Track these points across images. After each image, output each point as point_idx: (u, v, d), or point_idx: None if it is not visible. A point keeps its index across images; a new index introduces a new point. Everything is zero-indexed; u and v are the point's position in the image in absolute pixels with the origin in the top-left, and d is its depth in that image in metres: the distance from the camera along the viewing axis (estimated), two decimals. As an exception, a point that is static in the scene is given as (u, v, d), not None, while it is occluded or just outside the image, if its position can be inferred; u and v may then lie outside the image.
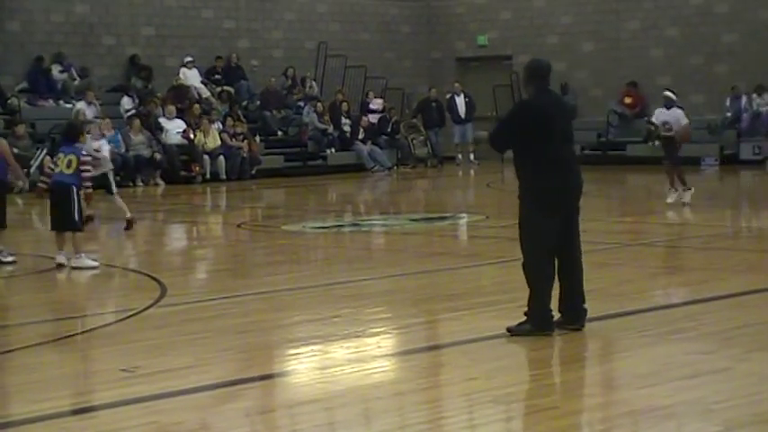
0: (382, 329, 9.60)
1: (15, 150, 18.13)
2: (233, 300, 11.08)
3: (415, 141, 31.23)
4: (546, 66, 9.20)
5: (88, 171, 13.10)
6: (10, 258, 13.37)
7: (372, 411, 7.06)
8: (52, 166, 13.23)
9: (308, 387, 7.76)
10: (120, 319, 9.83)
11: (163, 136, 26.61)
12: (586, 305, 9.05)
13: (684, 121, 18.33)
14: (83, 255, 12.99)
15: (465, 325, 9.53)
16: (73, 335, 9.46)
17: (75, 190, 12.95)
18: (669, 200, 18.40)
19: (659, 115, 18.60)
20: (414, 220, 18.16)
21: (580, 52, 31.92)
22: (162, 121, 26.96)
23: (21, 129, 24.24)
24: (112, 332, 9.40)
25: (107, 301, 11.12)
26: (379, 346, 8.95)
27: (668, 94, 18.86)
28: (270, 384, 7.86)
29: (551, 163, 8.85)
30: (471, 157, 30.95)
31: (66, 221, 12.98)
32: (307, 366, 8.39)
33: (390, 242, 16.09)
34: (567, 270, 8.97)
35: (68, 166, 12.94)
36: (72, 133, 13.43)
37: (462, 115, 31.18)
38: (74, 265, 12.89)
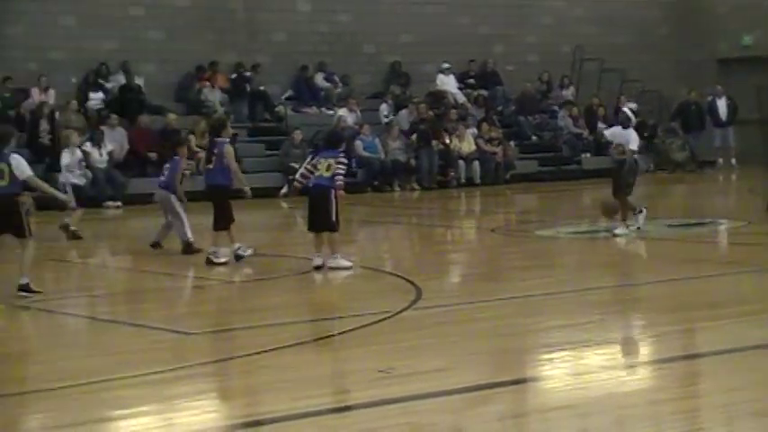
0: (637, 336, 9.43)
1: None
2: (486, 304, 11.12)
3: (672, 145, 30.48)
4: None
5: (342, 171, 13.47)
6: (223, 259, 13.88)
7: (627, 419, 6.94)
8: (310, 168, 13.66)
9: (561, 393, 7.70)
10: (377, 321, 10.02)
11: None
12: None
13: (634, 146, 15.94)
14: (339, 255, 13.37)
15: (724, 334, 9.24)
16: (330, 335, 9.72)
17: (332, 193, 13.34)
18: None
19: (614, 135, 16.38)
20: (671, 225, 17.73)
21: None
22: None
23: (297, 135, 25.13)
24: (369, 333, 9.59)
25: (364, 302, 11.35)
26: (635, 354, 8.79)
27: (626, 110, 16.92)
28: (522, 389, 7.85)
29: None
30: (733, 161, 29.96)
31: (323, 223, 13.38)
32: (560, 372, 8.33)
33: (646, 248, 15.76)
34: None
35: (328, 170, 13.35)
36: (334, 140, 13.92)
37: (724, 118, 30.25)
38: (330, 265, 13.28)
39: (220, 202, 14.02)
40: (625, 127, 16.12)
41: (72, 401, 7.42)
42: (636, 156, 16.15)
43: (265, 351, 8.81)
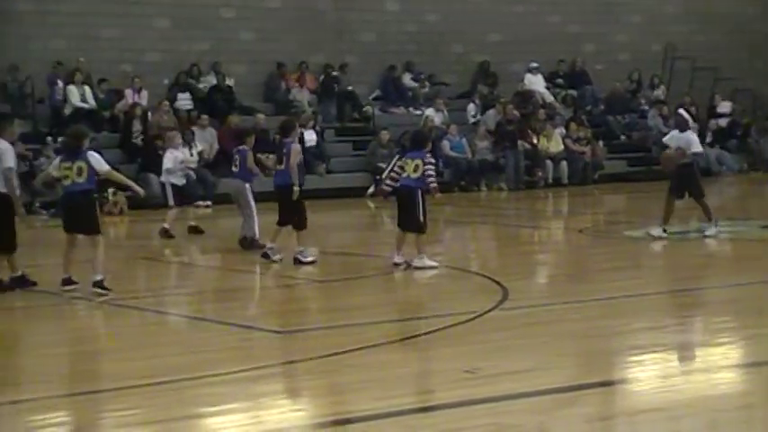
0: (728, 339, 9.29)
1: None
2: (573, 305, 11.04)
3: (766, 145, 29.94)
4: None
5: (432, 172, 13.45)
6: (310, 258, 13.93)
7: (718, 423, 6.85)
8: (398, 170, 13.68)
9: (649, 395, 7.61)
10: (463, 321, 10.01)
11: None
12: None
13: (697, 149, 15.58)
14: (425, 256, 13.38)
15: (818, 338, 9.05)
16: (417, 335, 9.72)
17: (419, 193, 13.35)
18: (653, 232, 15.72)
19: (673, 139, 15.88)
20: (765, 226, 17.41)
21: None
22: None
23: (384, 136, 25.19)
24: (455, 333, 9.58)
25: (450, 302, 11.35)
26: (725, 357, 8.66)
27: (682, 113, 16.35)
28: (610, 391, 7.78)
29: None
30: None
31: (409, 223, 13.40)
32: (648, 374, 8.24)
33: (738, 249, 15.51)
34: None
35: (415, 170, 13.36)
36: (420, 140, 13.90)
37: (822, 117, 29.70)
38: (415, 265, 13.29)
39: (289, 201, 14.01)
40: (682, 130, 15.70)
41: (161, 398, 7.53)
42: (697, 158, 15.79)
43: (352, 350, 8.84)
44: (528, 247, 17.45)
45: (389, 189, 13.93)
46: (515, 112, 27.33)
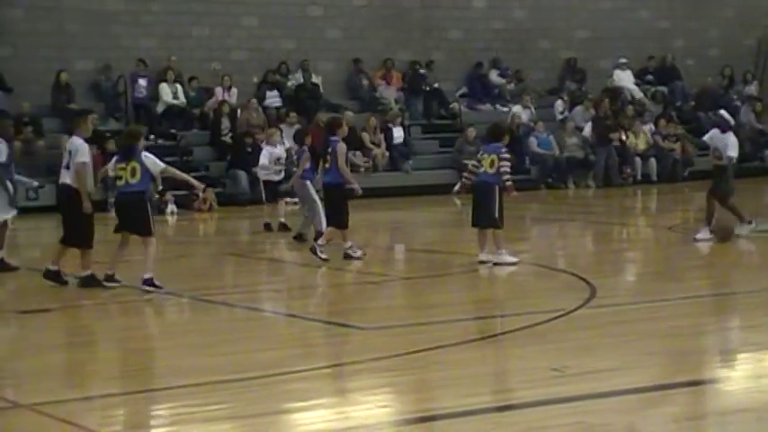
0: (821, 340, 9.11)
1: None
2: (662, 303, 10.91)
3: None
4: None
5: (508, 169, 13.37)
6: (359, 253, 13.94)
7: (809, 425, 6.72)
8: (476, 163, 13.64)
9: (740, 395, 7.50)
10: (550, 319, 9.95)
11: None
12: None
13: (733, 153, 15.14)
14: (503, 251, 13.33)
15: None
16: (503, 333, 9.69)
17: (496, 189, 13.28)
18: (699, 235, 15.29)
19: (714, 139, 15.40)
20: None
21: None
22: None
23: (471, 132, 25.15)
24: (542, 331, 9.53)
25: (537, 300, 11.29)
26: (818, 357, 8.50)
27: (723, 113, 15.80)
28: (699, 391, 7.67)
29: None
30: None
31: (486, 219, 13.35)
32: (738, 374, 8.12)
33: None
34: None
35: (491, 165, 13.30)
36: (496, 132, 13.77)
37: None
38: (494, 261, 13.27)
39: (334, 200, 14.01)
40: (723, 131, 15.28)
41: (250, 393, 7.61)
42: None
43: (437, 347, 8.84)
44: (616, 244, 17.30)
45: (469, 183, 13.88)
46: (610, 109, 27.06)
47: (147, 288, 11.84)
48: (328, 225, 14.25)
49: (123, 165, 12.06)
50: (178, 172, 12.98)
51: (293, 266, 14.83)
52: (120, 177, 12.10)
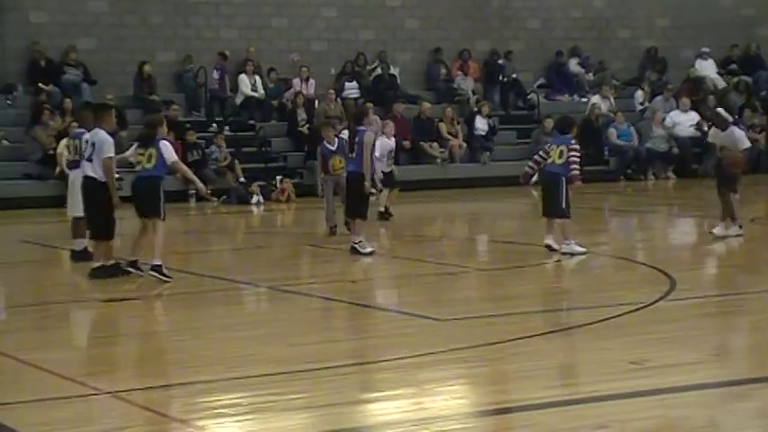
0: None
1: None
2: (743, 296, 10.78)
3: None
4: None
5: (576, 159, 13.29)
6: (369, 249, 13.84)
7: None
8: (543, 154, 13.66)
9: (824, 391, 7.37)
10: (630, 311, 9.86)
11: (674, 129, 26.35)
12: None
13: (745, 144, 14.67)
14: (572, 241, 13.35)
15: None
16: (582, 325, 9.63)
17: (563, 180, 13.30)
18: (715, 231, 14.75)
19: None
20: None
21: None
22: (674, 114, 26.69)
23: (549, 123, 24.95)
24: (622, 323, 9.44)
25: (616, 292, 11.20)
26: None
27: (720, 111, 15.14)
28: (783, 386, 7.56)
29: None
30: None
31: (554, 209, 13.40)
32: (823, 369, 7.98)
33: None
34: None
35: (560, 156, 13.29)
36: (565, 125, 13.80)
37: None
38: (563, 250, 13.29)
39: (356, 190, 13.88)
40: (723, 129, 14.74)
41: (326, 383, 7.64)
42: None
43: (515, 339, 8.81)
44: (696, 236, 17.08)
45: (531, 172, 13.86)
46: (689, 99, 26.68)
47: (156, 275, 11.95)
48: (348, 215, 14.21)
49: (142, 151, 12.31)
50: (187, 169, 13.10)
51: (369, 257, 14.87)
52: (139, 162, 12.35)
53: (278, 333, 9.59)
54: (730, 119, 15.54)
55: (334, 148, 15.77)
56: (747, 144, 14.95)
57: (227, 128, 24.11)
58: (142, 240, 12.39)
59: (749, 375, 7.70)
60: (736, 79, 28.72)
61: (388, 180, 17.59)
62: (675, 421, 6.63)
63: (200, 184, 13.44)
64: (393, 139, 18.20)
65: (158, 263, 12.03)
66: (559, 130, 13.91)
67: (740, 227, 14.80)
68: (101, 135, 12.33)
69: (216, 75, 24.79)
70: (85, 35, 24.70)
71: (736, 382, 7.51)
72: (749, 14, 29.97)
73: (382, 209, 17.69)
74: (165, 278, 11.95)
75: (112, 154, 12.30)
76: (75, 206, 13.33)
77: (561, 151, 13.33)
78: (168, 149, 12.28)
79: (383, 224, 17.31)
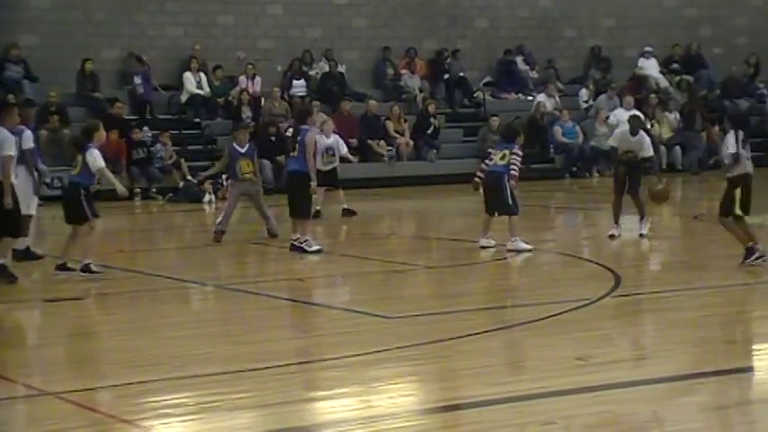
0: None
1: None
2: (687, 293, 10.88)
3: None
4: None
5: (517, 163, 13.62)
6: (316, 247, 13.87)
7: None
8: (487, 161, 13.84)
9: (766, 385, 7.47)
10: (575, 308, 9.93)
11: (618, 127, 26.54)
12: None
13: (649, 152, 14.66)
14: (518, 238, 13.48)
15: None
16: (528, 322, 9.68)
17: (506, 178, 13.60)
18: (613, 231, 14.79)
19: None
20: None
21: None
22: (618, 112, 26.88)
23: (495, 122, 25.03)
24: (567, 320, 9.51)
25: (561, 289, 11.27)
26: None
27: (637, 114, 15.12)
28: (726, 380, 7.63)
29: None
30: None
31: (500, 206, 13.68)
32: (765, 364, 8.08)
33: None
34: None
35: (502, 158, 13.65)
36: (509, 134, 14.11)
37: None
38: (509, 247, 13.41)
39: (298, 189, 13.90)
40: (634, 133, 14.58)
41: (273, 382, 7.62)
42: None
43: (462, 336, 8.84)
44: (640, 233, 17.19)
45: (479, 181, 13.96)
46: (632, 98, 26.90)
47: (83, 275, 11.94)
48: (290, 215, 14.17)
49: (75, 156, 12.37)
50: (110, 176, 12.88)
51: (317, 255, 14.85)
52: (72, 168, 12.41)
53: (225, 332, 9.55)
54: (646, 125, 15.21)
55: (243, 151, 15.50)
56: (651, 153, 14.87)
57: (145, 128, 23.56)
58: (71, 244, 12.37)
59: (693, 371, 7.78)
60: (677, 78, 29.02)
61: (328, 179, 17.53)
62: (621, 416, 6.69)
63: (121, 188, 13.13)
64: (333, 136, 18.13)
65: (87, 261, 12.04)
66: (505, 139, 14.11)
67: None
68: (2, 134, 12.10)
69: (137, 80, 24.42)
70: (28, 31, 24.43)
71: (679, 377, 7.59)
72: (691, 15, 30.29)
73: (318, 207, 17.53)
74: (94, 274, 11.93)
75: (12, 153, 12.08)
76: None
77: (504, 155, 13.70)
78: (94, 157, 12.18)
79: (344, 221, 17.33)
